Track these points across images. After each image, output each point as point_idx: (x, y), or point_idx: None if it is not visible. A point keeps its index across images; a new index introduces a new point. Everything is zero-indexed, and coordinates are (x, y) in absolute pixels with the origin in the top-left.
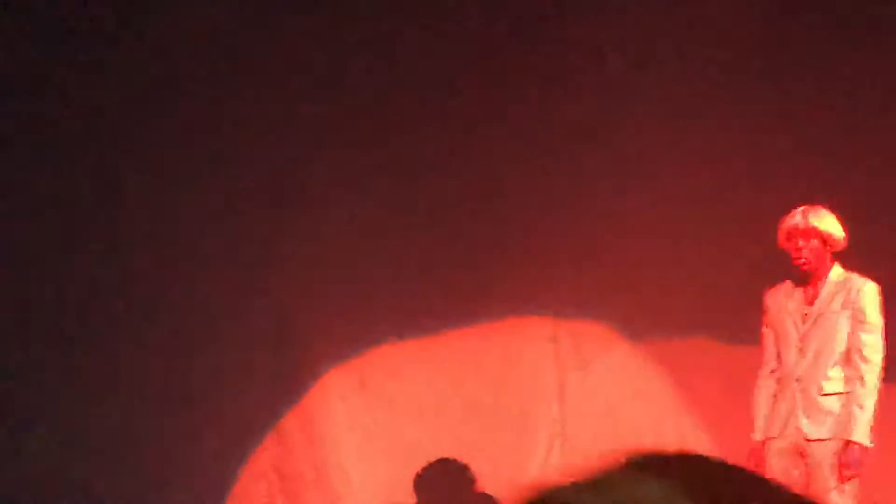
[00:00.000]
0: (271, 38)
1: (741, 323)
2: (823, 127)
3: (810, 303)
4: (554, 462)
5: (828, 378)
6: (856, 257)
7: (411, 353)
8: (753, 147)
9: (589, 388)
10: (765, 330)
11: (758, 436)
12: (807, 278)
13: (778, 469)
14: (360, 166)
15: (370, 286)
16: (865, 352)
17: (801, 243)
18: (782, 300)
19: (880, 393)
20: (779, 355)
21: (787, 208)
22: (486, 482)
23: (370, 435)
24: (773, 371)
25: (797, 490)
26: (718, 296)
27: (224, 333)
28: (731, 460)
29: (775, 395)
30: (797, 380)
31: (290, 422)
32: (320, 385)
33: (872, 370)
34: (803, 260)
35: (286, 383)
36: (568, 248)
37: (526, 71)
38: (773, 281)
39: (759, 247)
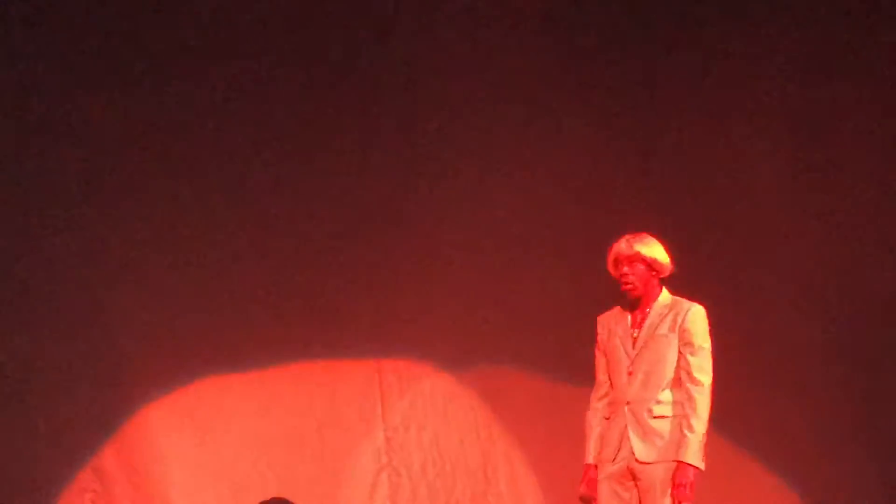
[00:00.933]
0: None
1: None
2: (646, 157)
3: (639, 327)
4: (382, 493)
5: (658, 401)
6: (683, 283)
7: (235, 388)
8: (573, 178)
9: (414, 420)
10: (596, 353)
11: (590, 459)
12: (635, 304)
13: (609, 492)
14: (184, 202)
15: (193, 321)
16: (695, 374)
17: (626, 269)
18: (612, 325)
19: (711, 415)
20: (610, 379)
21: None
22: None
23: (195, 471)
24: (604, 395)
25: None
26: (536, 331)
27: (39, 365)
28: (555, 484)
29: (607, 419)
30: (628, 403)
31: (108, 458)
32: (140, 420)
33: (702, 392)
34: (629, 285)
35: (104, 418)
36: (390, 288)
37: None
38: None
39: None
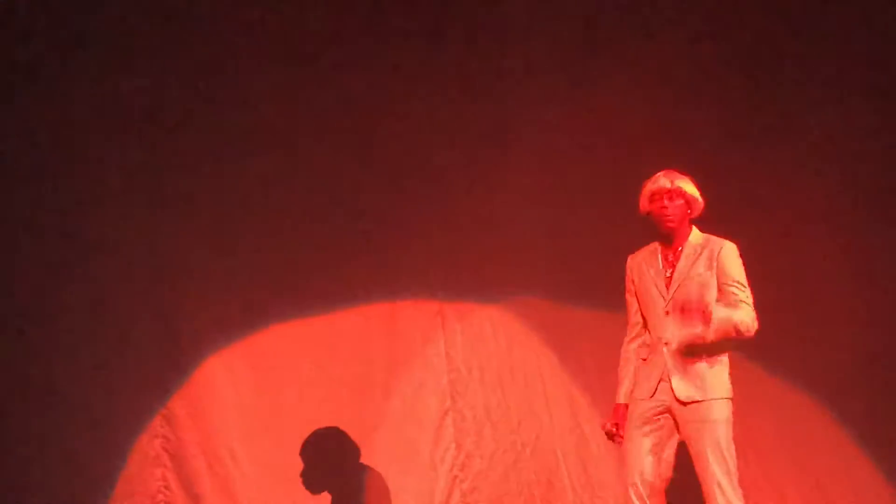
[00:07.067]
0: None
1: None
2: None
3: (671, 266)
4: (447, 435)
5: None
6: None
7: (298, 334)
8: (613, 119)
9: (477, 362)
10: (627, 297)
11: (620, 399)
12: (667, 243)
13: (639, 433)
14: (241, 150)
15: (256, 268)
16: (740, 301)
17: (666, 203)
18: (643, 266)
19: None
20: (644, 320)
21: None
22: (381, 457)
23: (260, 417)
24: (637, 336)
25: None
26: (596, 268)
27: (106, 318)
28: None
29: (644, 359)
30: (666, 343)
31: (178, 406)
32: (205, 369)
33: (746, 308)
34: (670, 219)
35: (171, 367)
36: (446, 230)
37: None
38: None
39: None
